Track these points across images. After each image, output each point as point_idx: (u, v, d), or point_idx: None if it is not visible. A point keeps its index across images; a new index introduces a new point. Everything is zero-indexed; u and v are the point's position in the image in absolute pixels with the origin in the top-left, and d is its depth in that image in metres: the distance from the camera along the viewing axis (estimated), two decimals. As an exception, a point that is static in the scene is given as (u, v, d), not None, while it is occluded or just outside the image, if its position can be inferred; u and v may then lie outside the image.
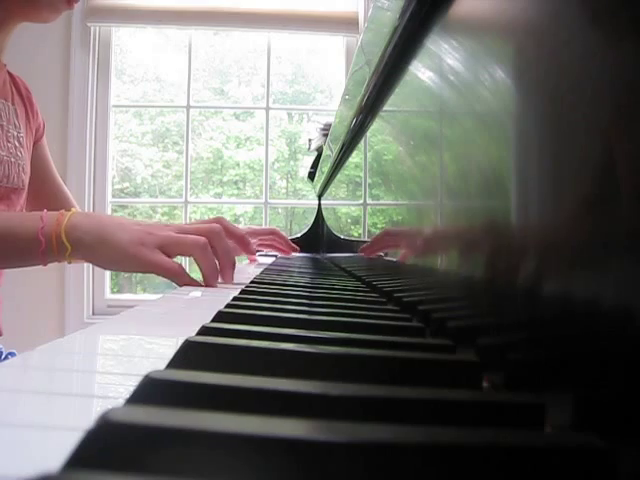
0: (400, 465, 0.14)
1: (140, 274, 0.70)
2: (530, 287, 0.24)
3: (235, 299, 0.43)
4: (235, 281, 0.67)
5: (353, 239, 1.00)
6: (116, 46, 2.27)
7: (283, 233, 1.35)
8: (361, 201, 0.92)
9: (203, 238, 0.64)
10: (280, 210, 2.81)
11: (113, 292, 2.31)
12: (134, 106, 2.71)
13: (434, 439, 0.14)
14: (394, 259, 0.60)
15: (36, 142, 1.06)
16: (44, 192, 1.09)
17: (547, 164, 0.23)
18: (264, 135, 2.30)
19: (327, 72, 2.66)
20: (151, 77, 2.70)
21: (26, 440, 0.15)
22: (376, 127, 0.75)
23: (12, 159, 0.91)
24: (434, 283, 0.42)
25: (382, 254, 0.68)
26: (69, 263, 0.66)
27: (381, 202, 0.75)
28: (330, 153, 1.21)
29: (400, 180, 0.60)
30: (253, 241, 1.25)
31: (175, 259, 0.66)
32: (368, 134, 0.82)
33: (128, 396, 0.18)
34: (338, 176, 1.25)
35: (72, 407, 0.19)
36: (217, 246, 0.66)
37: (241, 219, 2.77)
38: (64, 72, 2.06)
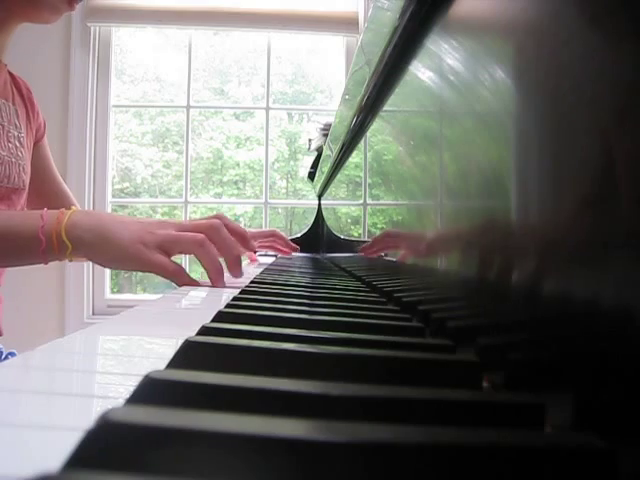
0: (400, 465, 0.14)
1: (140, 273, 0.70)
2: (530, 287, 0.24)
3: (235, 299, 0.43)
4: (235, 281, 0.67)
5: (353, 239, 1.00)
6: (116, 46, 2.27)
7: (282, 234, 1.35)
8: (361, 201, 0.92)
9: (201, 235, 0.64)
10: (280, 210, 2.81)
11: (113, 292, 2.31)
12: (134, 106, 2.71)
13: (434, 439, 0.14)
14: (394, 259, 0.60)
15: (37, 142, 1.06)
16: (45, 191, 1.10)
17: (547, 164, 0.23)
18: (264, 135, 2.30)
19: (327, 72, 2.66)
20: (151, 77, 2.70)
21: (26, 440, 0.15)
22: (376, 127, 0.75)
23: (13, 159, 0.91)
24: (434, 283, 0.42)
25: (382, 254, 0.68)
26: (70, 261, 0.66)
27: (381, 202, 0.75)
28: (330, 153, 1.21)
29: (400, 180, 0.60)
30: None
31: (176, 259, 0.66)
32: (368, 134, 0.82)
33: (128, 396, 0.18)
34: (338, 176, 1.25)
35: (72, 407, 0.19)
36: (218, 241, 0.66)
37: (241, 219, 2.77)
38: (64, 72, 2.06)
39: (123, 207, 2.49)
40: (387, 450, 0.14)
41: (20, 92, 1.00)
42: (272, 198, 2.38)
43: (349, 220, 1.16)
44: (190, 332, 0.27)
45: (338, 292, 0.56)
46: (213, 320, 0.33)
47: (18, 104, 0.98)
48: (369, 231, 0.82)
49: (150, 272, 0.64)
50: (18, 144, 0.94)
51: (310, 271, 0.97)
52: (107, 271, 2.09)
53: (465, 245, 0.35)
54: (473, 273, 0.33)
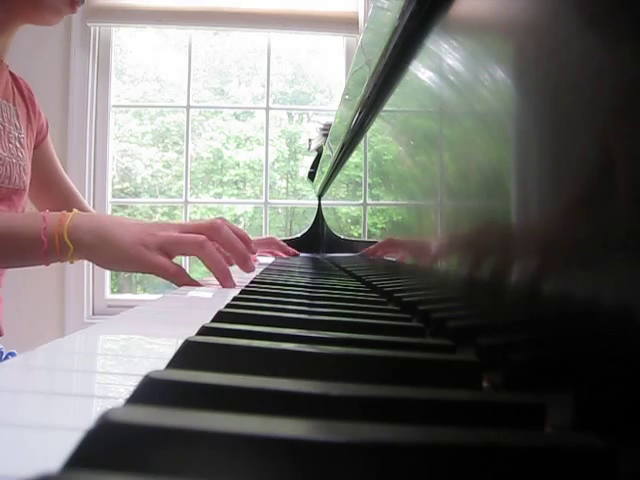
0: (400, 465, 0.14)
1: (140, 274, 0.70)
2: (530, 287, 0.24)
3: (235, 299, 0.43)
4: (235, 282, 0.68)
5: (353, 239, 1.00)
6: (116, 46, 2.27)
7: (280, 241, 1.36)
8: (361, 201, 0.92)
9: (202, 236, 0.64)
10: (280, 210, 2.81)
11: (113, 292, 2.31)
12: (134, 106, 2.71)
13: (434, 439, 0.14)
14: (394, 259, 0.60)
15: (40, 142, 1.06)
16: (54, 192, 1.10)
17: (547, 164, 0.23)
18: (264, 135, 2.30)
19: (327, 72, 2.66)
20: (151, 77, 2.70)
21: (26, 440, 0.15)
22: (376, 127, 0.75)
23: (13, 160, 0.91)
24: (434, 283, 0.42)
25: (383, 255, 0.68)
26: (71, 263, 0.67)
27: (381, 202, 0.75)
28: (330, 153, 1.21)
29: (400, 180, 0.60)
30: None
31: (177, 259, 0.66)
32: (368, 134, 0.82)
33: (128, 396, 0.18)
34: (338, 176, 1.25)
35: (72, 407, 0.19)
36: (221, 240, 0.67)
37: (241, 219, 2.77)
38: (64, 72, 2.06)
39: (123, 207, 2.49)
40: (387, 450, 0.14)
41: (21, 93, 1.00)
42: (272, 198, 2.38)
43: (349, 220, 1.16)
44: (190, 332, 0.27)
45: (338, 292, 0.56)
46: (213, 320, 0.33)
47: (19, 105, 0.98)
48: (369, 231, 0.82)
49: (151, 273, 0.64)
50: (19, 145, 0.94)
51: (310, 271, 0.97)
52: (107, 271, 2.09)
53: (465, 245, 0.35)
54: (473, 273, 0.33)
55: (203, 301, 0.55)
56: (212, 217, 0.98)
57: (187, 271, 0.67)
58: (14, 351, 1.00)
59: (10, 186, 0.91)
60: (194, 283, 0.65)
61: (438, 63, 0.41)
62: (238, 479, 0.13)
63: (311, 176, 1.74)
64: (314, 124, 2.00)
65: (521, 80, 0.26)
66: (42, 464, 0.13)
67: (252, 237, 1.34)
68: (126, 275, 2.52)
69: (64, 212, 0.64)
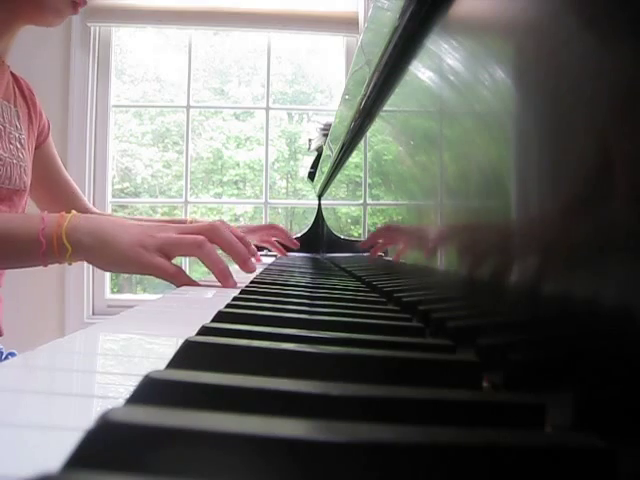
0: (400, 465, 0.14)
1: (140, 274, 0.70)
2: (530, 287, 0.24)
3: (235, 299, 0.43)
4: (237, 281, 0.68)
5: (353, 239, 1.00)
6: (116, 46, 2.27)
7: (282, 226, 1.36)
8: (361, 201, 0.92)
9: (201, 237, 0.64)
10: (280, 210, 2.81)
11: (113, 292, 2.31)
12: (134, 106, 2.71)
13: (434, 439, 0.14)
14: (394, 259, 0.60)
15: (42, 143, 1.06)
16: (57, 192, 1.11)
17: (546, 164, 0.23)
18: (264, 135, 2.30)
19: (327, 72, 2.66)
20: (151, 77, 2.70)
21: (26, 440, 0.15)
22: (376, 127, 0.75)
23: (14, 161, 0.91)
24: (434, 283, 0.42)
25: (382, 253, 0.68)
26: (69, 264, 0.67)
27: (381, 202, 0.75)
28: (330, 153, 1.21)
29: (400, 180, 0.60)
30: (254, 238, 1.26)
31: (177, 261, 0.66)
32: (368, 134, 0.82)
33: (128, 396, 0.18)
34: (338, 176, 1.25)
35: (72, 407, 0.19)
36: (221, 241, 0.67)
37: (241, 219, 2.77)
38: (64, 72, 2.06)
39: (123, 207, 2.49)
40: (387, 450, 0.14)
41: (22, 93, 1.00)
42: (272, 198, 2.38)
43: (349, 220, 1.16)
44: (190, 332, 0.27)
45: (338, 292, 0.56)
46: (213, 320, 0.33)
47: (20, 105, 0.98)
48: (369, 231, 0.82)
49: (150, 275, 0.64)
50: (19, 145, 0.94)
51: (310, 271, 0.97)
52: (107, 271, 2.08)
53: (465, 245, 0.35)
54: (473, 273, 0.33)
55: (203, 301, 0.55)
56: (212, 217, 0.98)
57: (187, 272, 0.67)
58: (14, 351, 1.00)
59: (10, 186, 0.91)
60: (193, 283, 0.65)
61: (438, 63, 0.41)
62: (238, 479, 0.13)
63: (311, 176, 1.74)
64: (314, 124, 2.00)
65: (521, 80, 0.26)
66: (42, 464, 0.13)
67: (253, 225, 1.34)
68: (126, 275, 2.51)
69: (62, 213, 0.64)
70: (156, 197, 2.80)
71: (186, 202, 2.24)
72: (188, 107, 2.27)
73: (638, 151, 0.16)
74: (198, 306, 0.51)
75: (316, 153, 1.70)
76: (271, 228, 1.35)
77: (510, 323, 0.27)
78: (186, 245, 0.64)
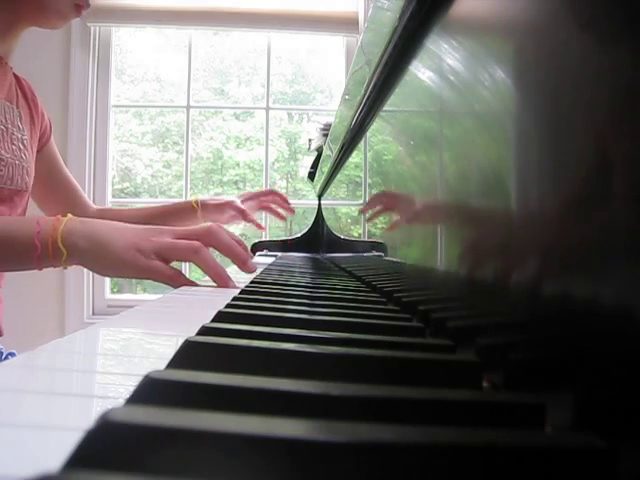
0: (400, 465, 0.14)
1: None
2: (530, 287, 0.24)
3: (235, 299, 0.43)
4: (235, 282, 0.68)
5: (353, 239, 1.00)
6: (116, 46, 2.27)
7: (281, 193, 1.37)
8: (361, 201, 0.92)
9: (197, 242, 0.64)
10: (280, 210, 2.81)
11: (113, 292, 2.31)
12: (134, 106, 2.71)
13: (434, 439, 0.14)
14: (394, 259, 0.60)
15: (45, 144, 1.07)
16: (59, 191, 1.11)
17: (547, 164, 0.23)
18: (264, 135, 2.30)
19: (327, 72, 2.66)
20: (151, 77, 2.71)
21: (26, 440, 0.15)
22: (376, 127, 0.75)
23: (16, 161, 0.91)
24: (434, 283, 0.42)
25: (382, 253, 0.68)
26: (64, 269, 0.67)
27: (381, 202, 0.75)
28: (330, 153, 1.21)
29: (400, 180, 0.60)
30: (253, 204, 1.27)
31: (176, 262, 0.66)
32: (368, 134, 0.82)
33: (128, 396, 0.18)
34: (338, 176, 1.25)
35: (72, 407, 0.19)
36: (218, 244, 0.67)
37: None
38: (64, 72, 2.07)
39: (123, 207, 2.49)
40: (387, 450, 0.14)
41: (24, 94, 1.00)
42: (272, 198, 2.38)
43: (349, 220, 1.15)
44: (190, 332, 0.27)
45: (338, 292, 0.56)
46: (213, 320, 0.33)
47: (22, 106, 0.98)
48: (369, 231, 0.82)
49: (148, 278, 0.64)
50: (22, 146, 0.94)
51: (310, 271, 0.97)
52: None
53: (465, 245, 0.35)
54: (473, 273, 0.33)
55: (203, 301, 0.55)
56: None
57: (187, 272, 0.67)
58: (14, 351, 1.00)
59: (12, 187, 0.91)
60: (192, 284, 0.65)
61: (438, 63, 0.41)
62: (238, 479, 0.13)
63: (311, 176, 1.74)
64: (314, 124, 2.00)
65: (521, 80, 0.26)
66: (42, 464, 0.13)
67: (252, 192, 1.35)
68: (126, 276, 2.51)
69: (58, 217, 0.64)
70: (156, 197, 2.80)
71: (186, 202, 2.24)
72: (188, 107, 2.27)
73: (638, 151, 0.16)
74: (198, 306, 0.51)
75: (316, 153, 1.70)
76: (270, 193, 1.36)
77: (510, 323, 0.27)
78: (181, 250, 0.64)
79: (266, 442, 0.13)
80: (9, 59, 0.96)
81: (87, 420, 0.15)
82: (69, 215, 0.65)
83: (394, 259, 0.60)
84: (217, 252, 0.69)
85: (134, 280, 2.59)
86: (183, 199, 2.24)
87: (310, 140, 1.76)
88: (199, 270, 0.66)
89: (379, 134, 0.74)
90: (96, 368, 0.26)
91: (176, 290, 0.61)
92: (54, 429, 0.16)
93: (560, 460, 0.14)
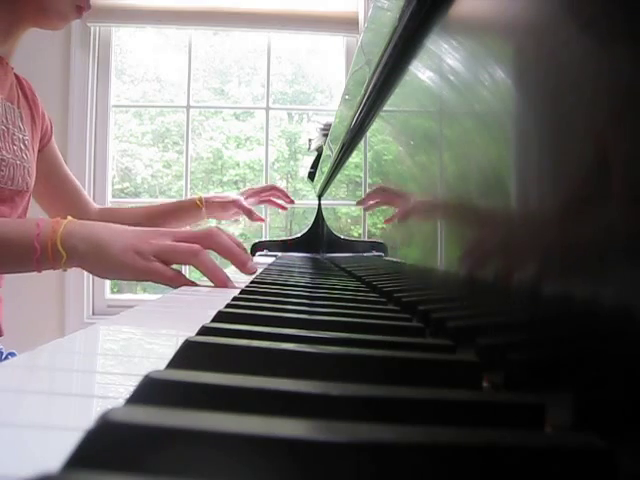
0: (400, 465, 0.14)
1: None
2: (530, 287, 0.24)
3: (235, 299, 0.43)
4: (235, 282, 0.68)
5: (353, 239, 1.00)
6: (116, 46, 2.27)
7: (281, 187, 1.41)
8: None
9: (196, 245, 0.64)
10: (280, 210, 2.81)
11: (113, 292, 2.31)
12: (134, 106, 2.71)
13: (434, 439, 0.14)
14: (394, 259, 0.60)
15: (46, 144, 1.07)
16: (61, 191, 1.11)
17: (547, 164, 0.23)
18: (264, 135, 2.30)
19: (327, 72, 2.66)
20: (151, 77, 2.70)
21: (26, 440, 0.15)
22: (376, 127, 0.75)
23: (17, 162, 0.91)
24: (434, 283, 0.42)
25: (381, 253, 0.68)
26: (64, 271, 0.66)
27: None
28: (330, 153, 1.21)
29: (400, 180, 0.60)
30: (254, 200, 1.33)
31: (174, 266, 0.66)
32: (368, 134, 0.82)
33: (128, 396, 0.18)
34: (338, 176, 1.24)
35: (72, 407, 0.19)
36: (218, 246, 0.67)
37: (241, 219, 2.77)
38: (64, 72, 2.06)
39: (124, 207, 2.49)
40: (387, 450, 0.14)
41: (25, 94, 1.00)
42: (272, 198, 2.38)
43: (349, 220, 1.15)
44: (190, 332, 0.27)
45: (338, 292, 0.56)
46: (213, 320, 0.33)
47: (22, 106, 0.98)
48: (369, 231, 0.82)
49: (147, 280, 0.64)
50: (23, 147, 0.94)
51: (310, 271, 0.97)
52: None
53: (465, 245, 0.35)
54: (473, 273, 0.33)
55: (203, 301, 0.55)
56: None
57: (187, 272, 0.67)
58: (14, 351, 1.00)
59: (13, 187, 0.91)
60: (192, 284, 0.65)
61: (438, 63, 0.41)
62: (238, 479, 0.13)
63: (311, 176, 1.74)
64: (314, 124, 1.99)
65: (521, 80, 0.26)
66: (42, 464, 0.13)
67: (253, 188, 1.39)
68: (126, 276, 2.51)
69: (58, 219, 0.64)
70: (156, 197, 2.80)
71: (186, 202, 2.24)
72: (188, 107, 2.27)
73: (638, 151, 0.16)
74: (198, 306, 0.51)
75: (316, 153, 1.70)
76: (272, 189, 1.40)
77: (510, 323, 0.27)
78: (181, 253, 0.64)
79: (266, 442, 0.13)
80: (10, 59, 0.96)
81: (87, 420, 0.15)
82: (69, 217, 0.65)
83: (394, 259, 0.60)
84: (217, 254, 0.69)
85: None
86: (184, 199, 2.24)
87: (310, 140, 1.76)
88: (199, 270, 0.66)
89: (379, 134, 0.74)
90: (96, 368, 0.26)
91: (176, 290, 0.61)
92: (54, 429, 0.16)
93: (560, 460, 0.14)
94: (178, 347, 0.23)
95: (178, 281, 0.64)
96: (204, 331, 0.28)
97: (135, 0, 2.11)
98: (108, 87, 2.16)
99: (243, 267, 0.69)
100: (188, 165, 2.27)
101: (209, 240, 0.66)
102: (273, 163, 2.78)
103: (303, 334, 0.29)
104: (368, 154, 0.84)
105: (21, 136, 0.94)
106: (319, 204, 1.68)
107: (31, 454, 0.14)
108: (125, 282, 2.57)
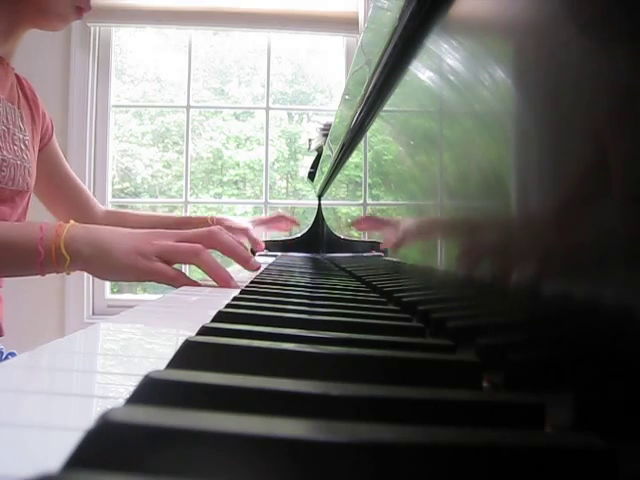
0: (400, 465, 0.14)
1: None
2: (530, 287, 0.24)
3: (235, 299, 0.43)
4: (238, 280, 0.68)
5: (353, 239, 1.00)
6: (116, 46, 2.27)
7: (288, 215, 1.49)
8: (361, 201, 0.92)
9: (198, 245, 0.64)
10: (280, 210, 2.81)
11: (113, 292, 2.31)
12: (134, 106, 2.70)
13: (434, 439, 0.14)
14: (394, 259, 0.60)
15: (47, 144, 1.07)
16: (64, 190, 1.12)
17: (546, 164, 0.23)
18: (264, 135, 2.30)
19: (327, 72, 2.66)
20: (151, 77, 2.70)
21: (26, 440, 0.15)
22: (376, 127, 0.75)
23: (18, 162, 0.92)
24: (434, 283, 0.42)
25: (381, 253, 0.68)
26: (67, 274, 0.67)
27: (381, 202, 0.75)
28: (330, 153, 1.21)
29: (400, 180, 0.60)
30: (261, 228, 1.37)
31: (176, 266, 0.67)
32: (368, 134, 0.82)
33: (128, 396, 0.18)
34: (338, 176, 1.24)
35: (72, 407, 0.19)
36: (220, 245, 0.67)
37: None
38: (64, 72, 2.06)
39: (123, 207, 2.49)
40: (387, 450, 0.14)
41: (25, 94, 1.00)
42: (272, 198, 2.38)
43: (349, 220, 1.15)
44: (190, 332, 0.27)
45: (338, 292, 0.56)
46: (213, 320, 0.33)
47: (23, 107, 0.98)
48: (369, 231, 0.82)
49: (150, 280, 0.64)
50: (23, 147, 0.94)
51: (310, 271, 0.97)
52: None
53: (465, 245, 0.35)
54: (473, 273, 0.33)
55: (203, 301, 0.55)
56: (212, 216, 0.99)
57: (188, 272, 0.67)
58: (14, 351, 1.00)
59: (14, 187, 0.92)
60: (194, 284, 0.65)
61: (438, 63, 0.41)
62: (238, 479, 0.13)
63: (311, 176, 1.74)
64: (314, 124, 1.99)
65: (521, 80, 0.26)
66: (42, 464, 0.13)
67: (261, 217, 1.42)
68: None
69: (61, 223, 0.64)
70: (156, 197, 2.80)
71: (186, 202, 2.24)
72: (188, 107, 2.27)
73: (637, 151, 0.16)
74: (198, 306, 0.51)
75: (316, 153, 1.70)
76: (279, 218, 1.46)
77: (510, 323, 0.27)
78: (183, 253, 0.64)
79: (266, 442, 0.13)
80: (10, 60, 0.96)
81: (87, 420, 0.15)
82: (72, 221, 0.66)
83: (394, 259, 0.60)
84: (219, 253, 0.69)
85: (134, 280, 2.58)
86: (183, 199, 2.24)
87: (310, 140, 1.76)
88: (200, 270, 0.66)
89: (379, 134, 0.74)
90: (96, 368, 0.26)
91: (176, 290, 0.61)
92: (54, 429, 0.16)
93: (560, 460, 0.14)
94: (178, 347, 0.23)
95: (180, 281, 0.64)
96: (204, 331, 0.28)
97: (135, 0, 2.11)
98: (108, 87, 2.16)
99: (246, 263, 0.70)
100: (188, 165, 2.27)
101: (211, 239, 0.66)
102: (273, 163, 2.78)
103: (303, 334, 0.29)
104: (368, 154, 0.84)
105: (22, 136, 0.94)
106: (319, 204, 1.68)
107: (31, 454, 0.14)
108: (125, 282, 2.57)
